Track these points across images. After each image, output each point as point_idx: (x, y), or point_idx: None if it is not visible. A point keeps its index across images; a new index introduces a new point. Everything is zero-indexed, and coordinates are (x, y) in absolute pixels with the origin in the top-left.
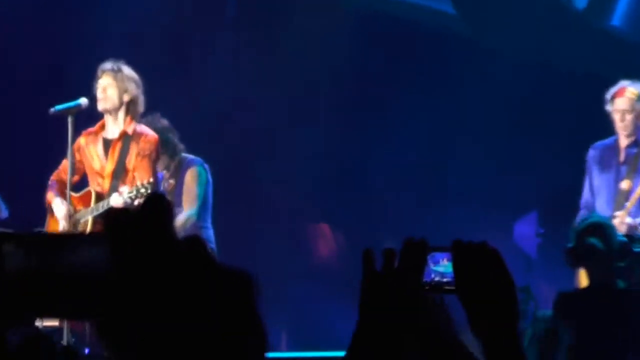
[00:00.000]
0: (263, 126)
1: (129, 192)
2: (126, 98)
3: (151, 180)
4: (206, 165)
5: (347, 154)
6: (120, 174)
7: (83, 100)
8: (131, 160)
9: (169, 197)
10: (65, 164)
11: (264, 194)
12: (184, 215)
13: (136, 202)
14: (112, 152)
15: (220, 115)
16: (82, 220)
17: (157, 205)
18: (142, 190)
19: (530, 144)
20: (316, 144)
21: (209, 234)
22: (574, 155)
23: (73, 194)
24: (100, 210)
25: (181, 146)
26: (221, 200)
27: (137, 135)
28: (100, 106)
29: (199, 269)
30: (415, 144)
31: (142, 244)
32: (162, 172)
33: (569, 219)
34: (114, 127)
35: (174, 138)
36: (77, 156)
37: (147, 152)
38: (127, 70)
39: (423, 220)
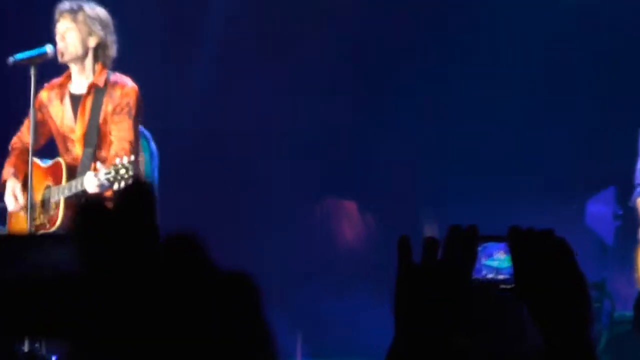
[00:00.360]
0: (260, 117)
1: (107, 173)
2: (92, 43)
3: (132, 157)
4: (147, 133)
5: (366, 129)
6: (93, 137)
7: (49, 48)
8: (106, 119)
9: None
10: (28, 125)
11: (264, 185)
12: None
13: (115, 186)
14: (81, 110)
15: (215, 107)
16: (52, 201)
17: (141, 199)
18: (122, 171)
19: (601, 109)
20: (325, 122)
21: None
22: None
23: (40, 163)
24: (74, 190)
25: None
26: (222, 193)
27: (111, 87)
28: (61, 56)
29: (192, 274)
30: (465, 113)
31: (122, 246)
32: None
33: None
34: (81, 79)
35: None
36: (40, 115)
37: (125, 108)
38: (90, 8)
39: (472, 204)
